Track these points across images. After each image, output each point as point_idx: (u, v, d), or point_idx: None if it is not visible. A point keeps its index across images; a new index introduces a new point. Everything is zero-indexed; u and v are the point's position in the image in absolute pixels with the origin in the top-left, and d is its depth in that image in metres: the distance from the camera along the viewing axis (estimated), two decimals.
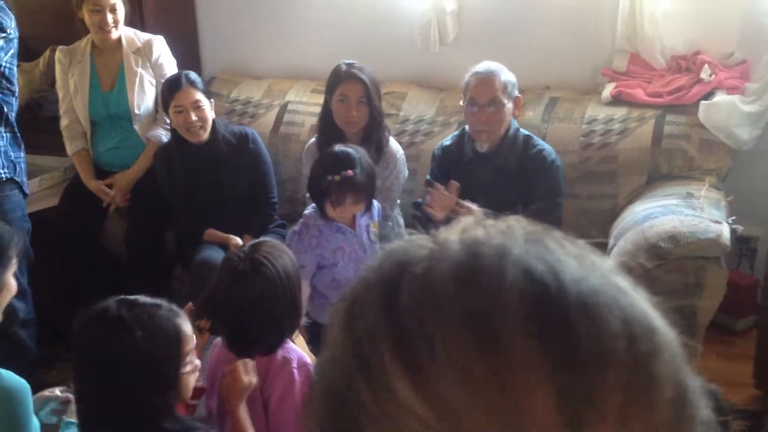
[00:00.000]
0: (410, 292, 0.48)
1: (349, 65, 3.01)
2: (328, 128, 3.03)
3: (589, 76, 3.42)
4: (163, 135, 3.25)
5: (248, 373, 1.79)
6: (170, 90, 3.02)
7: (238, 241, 3.01)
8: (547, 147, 2.88)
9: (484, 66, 2.83)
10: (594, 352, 0.46)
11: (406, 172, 3.09)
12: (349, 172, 2.52)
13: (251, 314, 1.85)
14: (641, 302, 0.50)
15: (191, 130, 3.01)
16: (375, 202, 2.75)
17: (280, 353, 1.90)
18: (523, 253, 0.50)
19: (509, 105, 2.79)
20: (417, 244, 0.52)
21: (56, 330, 3.16)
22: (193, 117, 2.98)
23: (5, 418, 1.75)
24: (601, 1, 3.35)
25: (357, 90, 2.95)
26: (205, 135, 3.05)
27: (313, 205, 2.67)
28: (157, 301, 1.66)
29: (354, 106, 2.94)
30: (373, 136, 2.97)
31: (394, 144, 3.09)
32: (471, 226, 0.52)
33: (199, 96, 3.01)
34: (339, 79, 2.98)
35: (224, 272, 1.91)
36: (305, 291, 2.62)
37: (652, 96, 3.19)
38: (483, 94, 2.76)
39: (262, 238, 1.96)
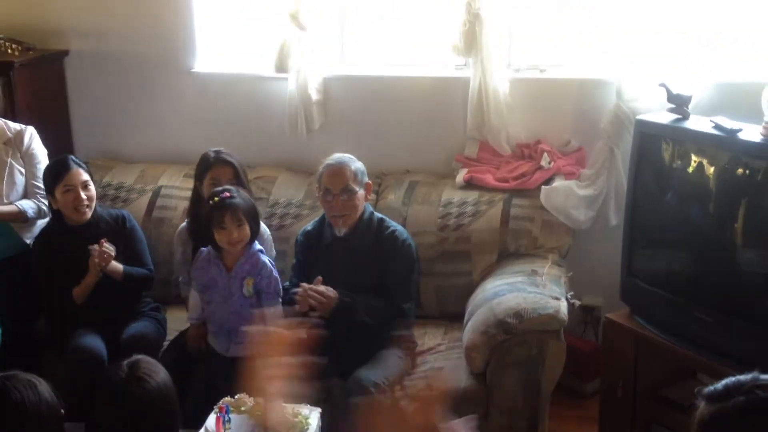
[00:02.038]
0: None
1: (217, 152, 3.21)
2: (199, 212, 3.17)
3: (445, 161, 3.71)
4: (30, 210, 3.30)
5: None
6: (58, 171, 3.11)
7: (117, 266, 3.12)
8: (399, 228, 3.10)
9: (335, 158, 3.05)
10: None
11: (274, 252, 3.25)
12: (226, 193, 2.87)
13: (134, 426, 1.88)
14: None
15: (79, 208, 3.11)
16: (266, 260, 2.94)
17: None
18: None
19: (361, 191, 3.01)
20: None
21: None
22: (83, 195, 3.10)
23: None
24: (454, 93, 3.64)
25: (227, 173, 3.15)
26: (90, 214, 3.14)
27: None
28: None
29: None
30: None
31: (261, 225, 3.26)
32: None
33: (87, 177, 3.13)
34: (209, 165, 3.17)
35: (105, 388, 1.95)
36: (194, 298, 3.05)
37: (499, 181, 3.50)
38: (335, 183, 2.97)
39: (137, 356, 1.99)
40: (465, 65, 3.63)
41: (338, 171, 2.98)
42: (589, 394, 3.57)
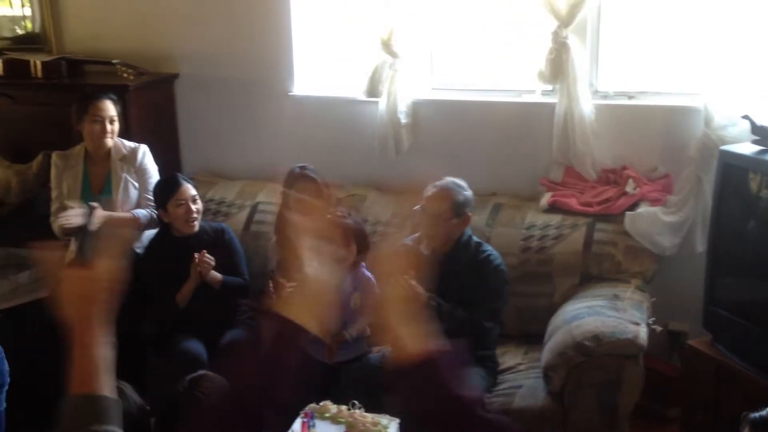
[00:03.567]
0: None
1: (302, 167, 3.40)
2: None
3: (530, 184, 3.78)
4: (144, 217, 3.56)
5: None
6: (170, 186, 3.38)
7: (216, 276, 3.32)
8: (494, 253, 3.16)
9: (443, 182, 3.10)
10: None
11: None
12: (339, 213, 3.03)
13: None
14: None
15: (189, 221, 3.37)
16: (369, 275, 3.04)
17: None
18: None
19: (455, 221, 3.07)
20: None
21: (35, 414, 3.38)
22: (193, 209, 3.36)
23: None
24: (540, 118, 3.72)
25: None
26: (197, 226, 3.39)
27: None
28: None
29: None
30: None
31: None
32: None
33: (194, 192, 3.41)
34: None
35: (165, 397, 2.09)
36: None
37: (584, 205, 3.55)
38: (430, 206, 3.06)
39: (203, 372, 2.13)
40: (552, 91, 3.70)
41: (437, 195, 3.05)
42: (672, 419, 3.54)
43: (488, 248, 3.18)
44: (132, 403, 1.95)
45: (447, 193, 3.07)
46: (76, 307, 1.17)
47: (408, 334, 1.17)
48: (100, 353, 1.15)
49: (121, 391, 1.95)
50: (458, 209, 3.07)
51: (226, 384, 1.97)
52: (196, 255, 3.29)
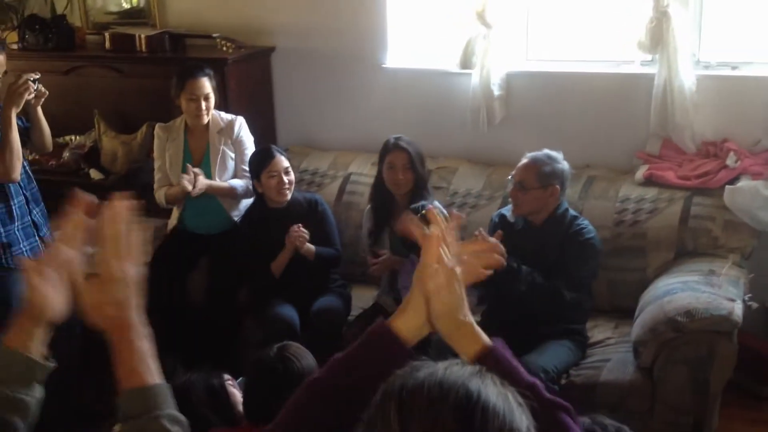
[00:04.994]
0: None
1: (397, 138, 3.45)
2: (380, 193, 3.49)
3: (625, 157, 3.71)
4: (240, 187, 3.69)
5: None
6: (264, 158, 3.48)
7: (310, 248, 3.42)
8: (588, 227, 3.09)
9: (534, 153, 3.10)
10: None
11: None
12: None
13: (281, 399, 2.08)
14: (521, 417, 0.85)
15: (281, 191, 3.47)
16: None
17: None
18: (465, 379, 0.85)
19: (539, 191, 3.05)
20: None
21: None
22: (285, 180, 3.46)
23: None
24: (638, 90, 3.64)
25: (402, 158, 3.37)
26: (289, 196, 3.50)
27: None
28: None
29: (400, 172, 3.35)
30: (417, 197, 3.36)
31: (438, 206, 3.45)
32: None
33: (287, 163, 3.50)
34: (387, 150, 3.43)
35: (257, 369, 2.14)
36: None
37: (681, 179, 3.46)
38: (517, 175, 3.09)
39: (288, 342, 2.20)
40: (651, 61, 3.61)
41: (525, 165, 3.07)
42: (766, 396, 3.47)
43: (584, 222, 3.13)
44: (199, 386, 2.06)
45: (533, 163, 3.06)
46: (106, 315, 1.20)
47: (461, 335, 1.24)
48: (142, 346, 1.20)
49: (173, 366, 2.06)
50: (543, 180, 3.05)
51: (311, 355, 2.05)
52: (293, 228, 3.39)
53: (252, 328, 3.59)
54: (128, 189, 4.05)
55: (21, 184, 3.16)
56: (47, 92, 3.20)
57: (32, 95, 3.08)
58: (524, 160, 3.09)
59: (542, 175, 3.04)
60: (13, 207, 3.14)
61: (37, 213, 3.27)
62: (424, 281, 1.25)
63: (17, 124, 3.08)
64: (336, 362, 1.24)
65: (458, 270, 1.26)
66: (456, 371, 0.90)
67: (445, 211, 3.01)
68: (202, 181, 3.54)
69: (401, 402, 0.88)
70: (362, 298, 3.66)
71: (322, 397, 1.20)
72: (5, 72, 3.17)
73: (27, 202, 3.21)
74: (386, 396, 0.90)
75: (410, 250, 3.25)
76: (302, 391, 1.25)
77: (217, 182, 3.67)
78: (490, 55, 3.75)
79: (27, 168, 3.25)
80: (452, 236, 1.32)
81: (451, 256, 1.27)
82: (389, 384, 0.91)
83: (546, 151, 3.10)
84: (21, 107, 3.07)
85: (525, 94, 3.85)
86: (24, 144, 3.18)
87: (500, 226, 3.25)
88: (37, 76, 3.12)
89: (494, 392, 0.88)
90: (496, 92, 3.80)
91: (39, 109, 3.23)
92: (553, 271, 3.01)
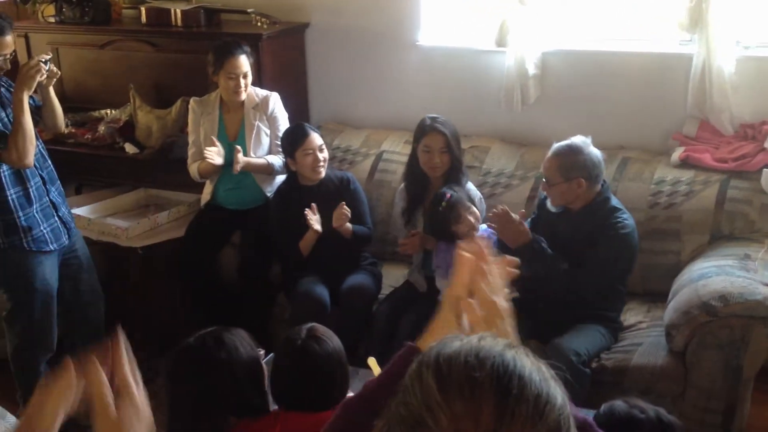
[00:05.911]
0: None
1: (433, 119, 3.41)
2: (414, 173, 3.46)
3: (661, 139, 3.66)
4: (277, 164, 3.70)
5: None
6: (298, 136, 3.49)
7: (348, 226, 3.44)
8: (625, 221, 3.00)
9: (559, 145, 3.04)
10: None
11: (485, 214, 3.41)
12: (447, 194, 3.14)
13: (310, 381, 2.07)
14: (555, 388, 0.86)
15: (316, 169, 3.49)
16: (488, 232, 3.11)
17: None
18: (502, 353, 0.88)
19: (564, 185, 2.99)
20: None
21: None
22: (320, 157, 3.46)
23: None
24: (675, 70, 3.59)
25: (439, 141, 3.35)
26: (323, 174, 3.51)
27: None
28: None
29: (437, 155, 3.34)
30: (452, 180, 3.35)
31: (472, 187, 3.44)
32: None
33: (321, 141, 3.51)
34: (423, 132, 3.39)
35: (285, 348, 2.15)
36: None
37: (718, 161, 3.41)
38: (543, 169, 3.10)
39: (313, 324, 2.20)
40: (690, 41, 3.55)
41: (548, 159, 3.05)
42: None
43: (623, 216, 3.03)
44: (245, 351, 2.06)
45: (554, 158, 3.02)
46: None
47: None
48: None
49: (242, 338, 2.08)
50: (565, 174, 2.99)
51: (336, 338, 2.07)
52: (341, 205, 3.39)
53: (283, 305, 3.63)
54: (163, 163, 4.11)
55: (37, 164, 3.16)
56: (59, 72, 3.22)
57: (44, 77, 3.08)
58: (548, 154, 3.06)
59: (564, 169, 2.99)
60: (31, 189, 3.15)
61: (55, 192, 3.28)
62: (456, 309, 1.25)
63: (29, 104, 3.09)
64: (369, 385, 1.27)
65: (502, 303, 1.24)
66: (490, 341, 0.91)
67: (493, 235, 3.05)
68: (242, 158, 3.56)
69: (438, 368, 0.88)
70: (393, 276, 3.67)
71: (357, 417, 1.23)
72: (14, 52, 3.17)
73: (44, 183, 3.22)
74: (422, 364, 0.90)
75: (438, 237, 3.25)
76: (339, 411, 1.28)
77: (256, 159, 3.69)
78: (526, 34, 3.72)
79: (40, 148, 3.24)
80: (494, 265, 1.29)
81: (493, 286, 1.25)
82: (425, 354, 0.92)
83: (571, 140, 3.04)
84: (33, 89, 3.08)
85: (560, 74, 3.81)
86: (36, 123, 3.18)
87: (543, 204, 3.25)
88: (48, 57, 3.13)
89: (528, 363, 0.89)
90: (531, 71, 3.76)
91: (51, 90, 3.23)
92: (582, 260, 2.98)
